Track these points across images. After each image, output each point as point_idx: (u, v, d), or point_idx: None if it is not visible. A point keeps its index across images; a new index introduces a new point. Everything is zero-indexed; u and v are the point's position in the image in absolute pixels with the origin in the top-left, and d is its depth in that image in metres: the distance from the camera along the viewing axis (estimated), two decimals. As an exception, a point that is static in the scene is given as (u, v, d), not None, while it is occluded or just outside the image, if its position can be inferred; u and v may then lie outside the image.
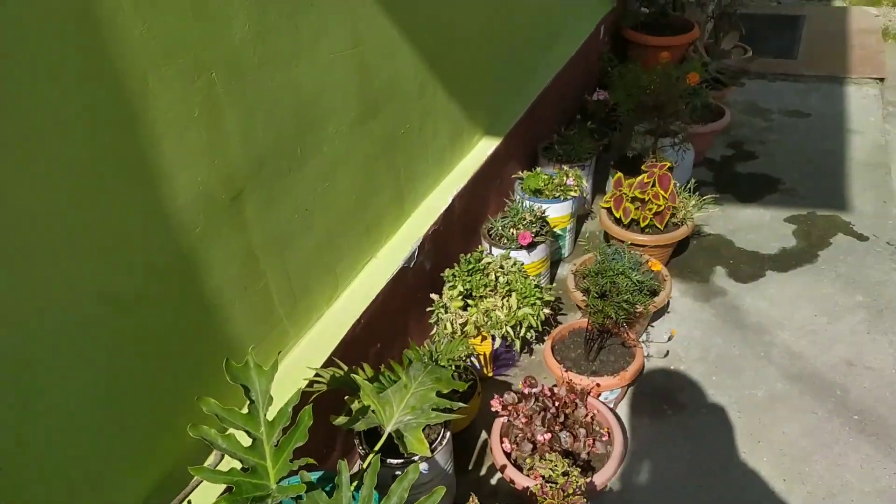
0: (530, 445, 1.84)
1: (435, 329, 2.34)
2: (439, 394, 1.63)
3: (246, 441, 1.35)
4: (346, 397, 1.65)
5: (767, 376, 2.37)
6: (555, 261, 2.99)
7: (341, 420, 1.55)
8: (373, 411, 1.58)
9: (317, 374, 1.75)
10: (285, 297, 1.80)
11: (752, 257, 2.95)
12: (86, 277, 1.21)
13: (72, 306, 1.20)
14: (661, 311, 2.67)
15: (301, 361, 1.84)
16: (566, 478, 1.62)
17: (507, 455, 1.87)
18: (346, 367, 1.78)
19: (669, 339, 2.25)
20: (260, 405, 1.37)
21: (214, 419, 1.34)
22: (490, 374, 2.45)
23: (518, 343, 2.31)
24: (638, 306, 2.21)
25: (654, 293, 2.40)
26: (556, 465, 1.65)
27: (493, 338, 2.29)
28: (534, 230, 2.57)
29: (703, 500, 1.99)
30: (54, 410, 1.21)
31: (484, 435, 2.25)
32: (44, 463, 1.20)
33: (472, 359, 2.40)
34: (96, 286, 1.24)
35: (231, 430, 1.35)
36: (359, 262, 2.14)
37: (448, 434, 1.89)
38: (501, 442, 1.88)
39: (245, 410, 1.36)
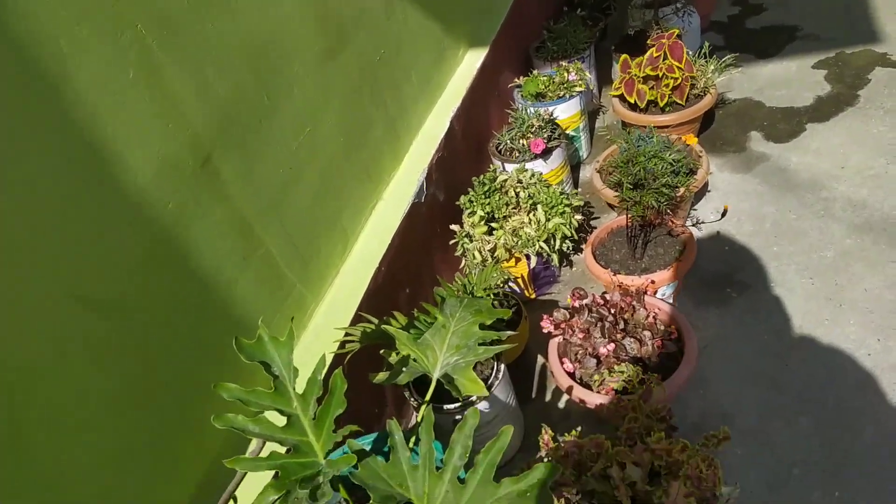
0: (594, 360, 1.66)
1: (463, 261, 2.15)
2: (482, 326, 1.45)
3: (280, 420, 1.19)
4: (381, 351, 1.48)
5: (833, 234, 2.15)
6: (574, 165, 2.76)
7: (381, 377, 1.38)
8: (414, 360, 1.41)
9: (346, 334, 1.58)
10: (292, 261, 1.62)
11: (786, 114, 2.69)
12: (54, 281, 1.04)
13: (47, 313, 1.03)
14: (702, 192, 2.45)
15: (327, 324, 1.67)
16: (643, 385, 1.44)
17: (571, 375, 1.70)
18: (376, 321, 1.61)
19: (723, 215, 2.01)
20: (286, 379, 1.21)
21: (241, 405, 1.18)
22: (533, 296, 2.27)
23: (555, 257, 2.12)
24: (679, 188, 1.99)
25: (692, 172, 2.17)
26: (628, 376, 1.47)
27: (528, 257, 2.10)
28: (545, 135, 2.34)
29: (793, 379, 1.80)
30: (51, 434, 1.05)
31: (541, 359, 2.08)
32: (61, 487, 1.05)
33: (511, 284, 2.22)
34: (69, 290, 1.07)
35: (264, 413, 1.19)
36: (364, 207, 1.94)
37: (502, 367, 1.72)
38: (561, 362, 1.71)
39: (271, 388, 1.20)
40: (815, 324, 1.92)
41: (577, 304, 1.68)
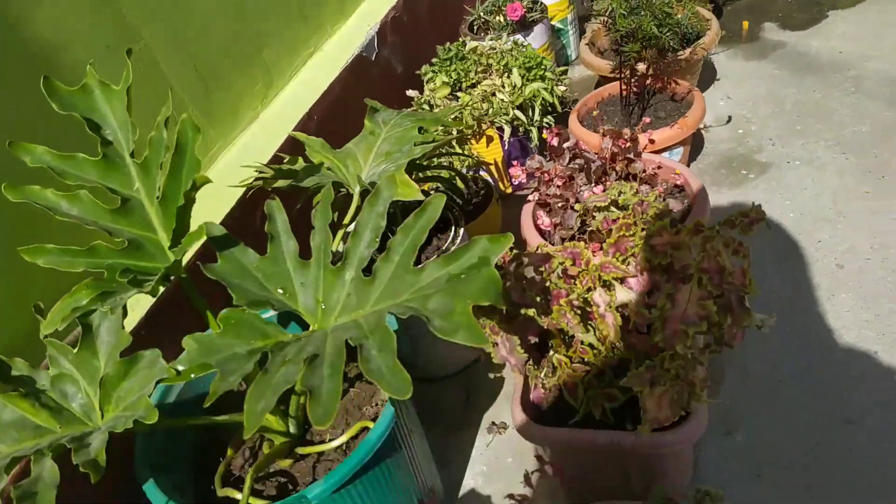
0: (575, 214, 1.29)
1: (422, 135, 1.78)
2: (423, 132, 1.09)
3: (112, 202, 0.82)
4: (285, 166, 1.10)
5: (868, 109, 1.80)
6: (562, 65, 2.41)
7: (281, 183, 1.01)
8: (329, 168, 1.04)
9: (259, 171, 1.21)
10: (188, 81, 1.26)
11: (804, 4, 2.34)
12: None
13: None
14: (709, 79, 2.09)
15: (235, 167, 1.30)
16: (638, 195, 1.06)
17: (545, 235, 1.33)
18: (303, 162, 1.24)
19: (744, 36, 1.60)
20: (122, 147, 0.84)
21: (56, 179, 0.81)
22: (509, 190, 1.90)
23: (534, 132, 1.75)
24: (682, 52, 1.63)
25: (698, 37, 1.82)
26: (622, 190, 1.09)
27: (500, 132, 1.73)
28: (525, 3, 1.99)
29: (828, 254, 1.44)
30: None
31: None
32: None
33: (482, 173, 1.85)
34: None
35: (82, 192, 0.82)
36: (296, 52, 1.58)
37: (461, 231, 1.35)
38: (536, 219, 1.34)
39: (99, 156, 0.83)
40: (852, 198, 1.55)
41: (555, 141, 1.31)
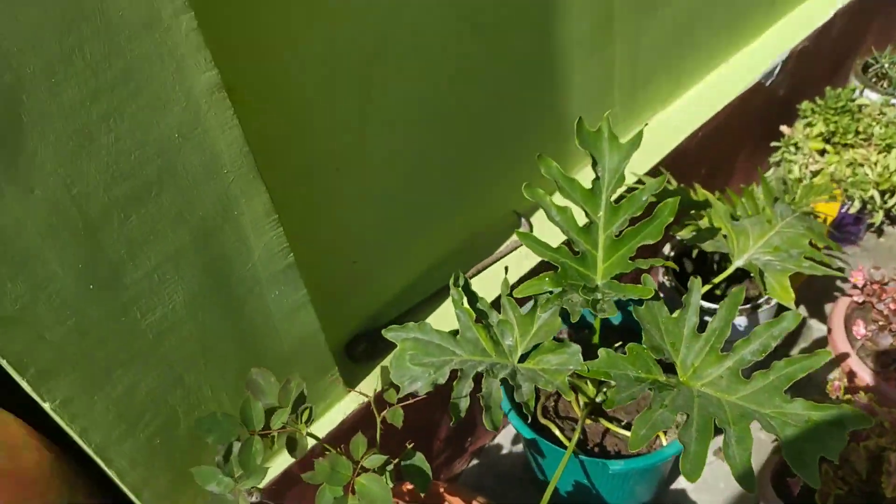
0: (890, 340, 1.40)
1: (773, 170, 1.88)
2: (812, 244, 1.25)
3: (580, 220, 1.10)
4: (691, 211, 1.32)
5: None
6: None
7: (685, 233, 1.24)
8: (724, 236, 1.25)
9: (639, 181, 1.44)
10: (626, 79, 1.46)
11: None
12: None
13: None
14: None
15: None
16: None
17: (852, 342, 1.46)
18: (675, 182, 1.44)
19: None
20: (605, 184, 1.09)
21: (548, 186, 1.10)
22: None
23: (879, 215, 1.78)
24: None
25: None
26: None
27: (849, 200, 1.78)
28: (941, 77, 1.89)
29: None
30: (389, 116, 1.04)
31: (813, 324, 1.80)
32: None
33: (804, 221, 1.92)
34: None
35: (567, 204, 1.10)
36: (708, 62, 1.70)
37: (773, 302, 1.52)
38: (852, 325, 1.46)
39: (587, 186, 1.10)
40: None
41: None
